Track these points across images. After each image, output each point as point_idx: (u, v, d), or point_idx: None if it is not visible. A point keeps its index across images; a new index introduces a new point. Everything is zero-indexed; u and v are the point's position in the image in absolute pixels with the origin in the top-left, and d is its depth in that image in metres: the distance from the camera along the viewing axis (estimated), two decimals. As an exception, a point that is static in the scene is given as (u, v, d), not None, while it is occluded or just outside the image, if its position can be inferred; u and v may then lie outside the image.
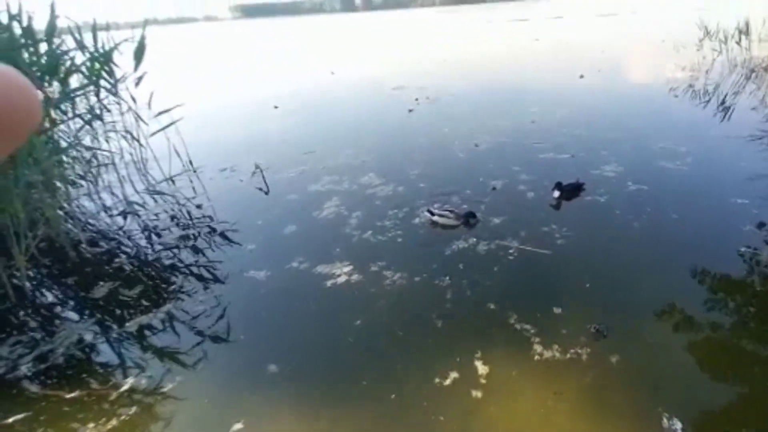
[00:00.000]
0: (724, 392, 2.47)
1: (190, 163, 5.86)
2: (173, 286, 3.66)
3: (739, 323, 2.90)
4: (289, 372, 2.75)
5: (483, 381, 2.58)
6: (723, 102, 7.07)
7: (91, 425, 2.50)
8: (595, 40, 19.25)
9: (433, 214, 4.16)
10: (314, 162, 5.96)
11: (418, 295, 3.33)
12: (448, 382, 2.59)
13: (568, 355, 2.72)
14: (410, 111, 8.03)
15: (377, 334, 3.00)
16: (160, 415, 2.56)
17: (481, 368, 2.66)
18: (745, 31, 11.31)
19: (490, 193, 4.82)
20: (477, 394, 2.52)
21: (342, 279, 3.56)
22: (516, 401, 2.47)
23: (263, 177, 5.47)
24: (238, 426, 2.44)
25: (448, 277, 3.44)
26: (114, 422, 2.51)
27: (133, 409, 2.59)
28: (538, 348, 2.78)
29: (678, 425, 2.26)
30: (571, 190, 4.53)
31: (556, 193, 4.49)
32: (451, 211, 4.07)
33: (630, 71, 10.21)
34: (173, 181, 5.48)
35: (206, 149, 6.55)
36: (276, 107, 8.86)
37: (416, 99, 8.68)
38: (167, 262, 3.99)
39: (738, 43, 11.32)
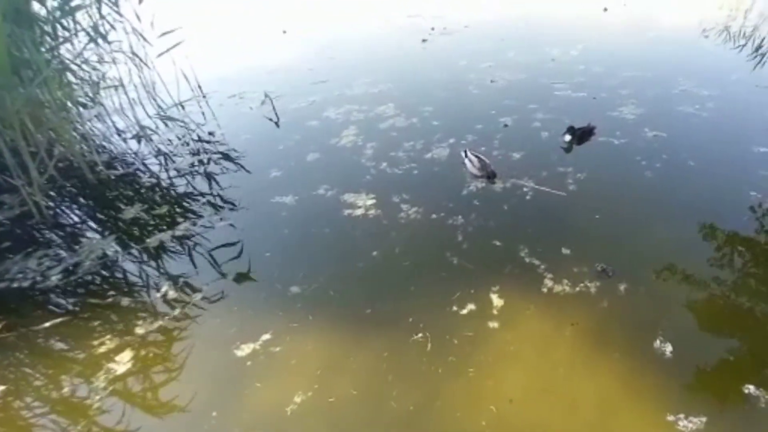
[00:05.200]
0: (715, 333, 2.59)
1: (200, 88, 5.58)
2: (192, 211, 3.66)
3: (741, 279, 2.92)
4: (310, 293, 2.84)
5: (497, 312, 2.67)
6: (759, 48, 6.55)
7: (117, 336, 2.62)
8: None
9: (466, 155, 4.00)
10: (326, 92, 5.67)
11: (434, 230, 3.34)
12: (464, 311, 2.68)
13: (578, 289, 2.80)
14: (424, 41, 7.49)
15: (393, 264, 3.05)
16: (186, 328, 2.68)
17: (497, 300, 2.74)
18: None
19: (502, 129, 4.65)
20: (493, 324, 2.62)
21: (360, 210, 3.55)
22: (529, 331, 2.57)
23: (273, 106, 5.24)
24: (267, 336, 2.56)
25: (461, 217, 3.41)
26: (140, 332, 2.63)
27: (159, 322, 2.71)
28: (549, 283, 2.85)
29: (668, 348, 2.45)
30: (582, 134, 4.36)
31: (567, 137, 4.33)
32: (481, 160, 3.89)
33: (659, 6, 9.35)
34: (183, 107, 5.26)
35: (213, 75, 6.20)
36: (284, 32, 8.25)
37: (432, 28, 8.05)
38: (182, 189, 3.95)
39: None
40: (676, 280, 2.90)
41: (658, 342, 2.49)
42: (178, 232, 3.40)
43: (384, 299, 2.78)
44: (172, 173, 4.17)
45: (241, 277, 2.99)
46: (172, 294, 2.89)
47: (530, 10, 9.14)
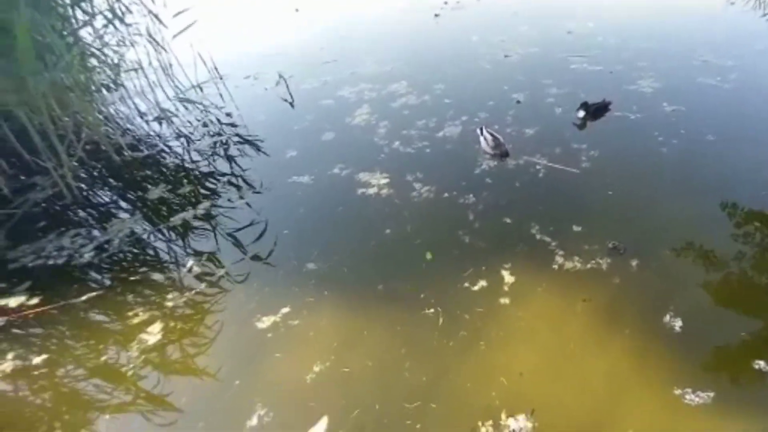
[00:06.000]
0: (726, 309, 2.53)
1: (216, 70, 5.52)
2: (213, 191, 3.69)
3: (760, 258, 2.81)
4: (326, 270, 2.87)
5: (508, 289, 2.66)
6: (788, 13, 6.10)
7: (149, 309, 2.71)
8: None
9: (482, 132, 3.91)
10: (338, 71, 5.54)
11: (446, 208, 3.31)
12: (475, 288, 2.68)
13: (589, 266, 2.75)
14: (436, 15, 7.20)
15: (405, 242, 3.05)
16: (211, 301, 2.76)
17: (508, 277, 2.73)
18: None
19: (515, 106, 4.49)
20: (504, 300, 2.62)
21: (373, 189, 3.52)
22: (540, 307, 2.56)
23: (287, 87, 5.16)
24: (286, 310, 2.62)
25: (473, 195, 3.35)
26: (169, 305, 2.72)
27: (186, 296, 2.79)
28: (560, 260, 2.81)
29: (678, 323, 2.42)
30: (597, 110, 4.17)
31: (581, 113, 4.16)
32: (495, 138, 3.78)
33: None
34: (201, 89, 5.22)
35: (228, 56, 6.12)
36: (297, 10, 8.04)
37: (445, 2, 7.72)
38: (204, 170, 3.97)
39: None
40: (689, 257, 2.82)
41: (668, 317, 2.45)
42: (201, 211, 3.45)
43: (396, 276, 2.79)
44: (194, 155, 4.19)
45: (261, 255, 3.03)
46: (197, 270, 2.96)
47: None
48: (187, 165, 4.06)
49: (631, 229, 3.01)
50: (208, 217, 3.41)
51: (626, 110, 4.28)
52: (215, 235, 3.24)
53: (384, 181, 3.60)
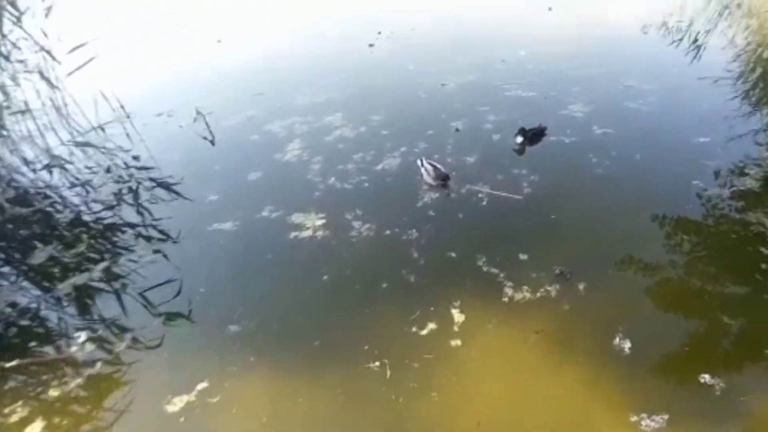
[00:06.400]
0: (668, 321, 2.78)
1: (122, 108, 5.35)
2: (119, 245, 3.47)
3: (692, 263, 3.18)
4: (251, 331, 2.75)
5: (459, 329, 2.72)
6: (695, 41, 7.20)
7: (31, 401, 2.42)
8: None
9: (422, 164, 4.09)
10: (266, 104, 5.61)
11: (388, 247, 3.36)
12: (424, 332, 2.70)
13: (538, 295, 2.90)
14: (371, 45, 7.63)
15: (345, 288, 3.03)
16: (108, 385, 2.52)
17: (458, 316, 2.79)
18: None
19: (454, 134, 4.79)
20: (455, 342, 2.66)
21: (308, 231, 3.51)
22: (493, 345, 2.62)
23: (206, 123, 5.12)
24: (203, 385, 2.45)
25: (415, 230, 3.45)
26: (56, 393, 2.44)
27: (78, 380, 2.53)
28: (509, 292, 2.94)
29: (627, 345, 2.61)
30: (534, 135, 4.59)
31: (519, 138, 4.54)
32: (434, 167, 3.99)
33: (601, 4, 10.07)
34: (103, 130, 5.02)
35: (137, 93, 5.99)
36: (219, 41, 8.13)
37: (379, 32, 8.23)
38: (109, 222, 3.75)
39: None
40: (631, 271, 3.09)
41: (617, 339, 2.63)
42: (97, 274, 3.20)
43: (336, 329, 2.75)
44: (94, 205, 3.95)
45: (173, 319, 2.86)
46: (90, 347, 2.70)
47: (477, 12, 9.56)
48: (85, 218, 3.81)
49: (576, 252, 3.24)
50: (110, 277, 3.17)
51: (561, 134, 4.72)
52: (119, 297, 3.01)
53: (320, 221, 3.60)
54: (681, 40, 7.36)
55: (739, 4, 8.46)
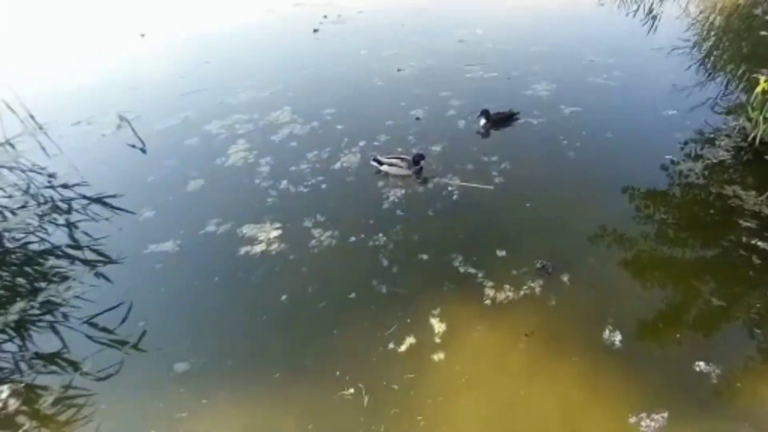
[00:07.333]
0: (659, 306, 2.77)
1: (32, 118, 4.84)
2: (48, 275, 3.10)
3: (674, 243, 3.21)
4: (201, 368, 2.49)
5: (441, 340, 2.57)
6: (650, 11, 7.43)
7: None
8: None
9: (381, 163, 3.90)
10: (203, 102, 5.25)
11: (354, 256, 3.16)
12: (402, 348, 2.54)
13: (522, 293, 2.82)
14: (316, 31, 7.36)
15: (307, 308, 2.81)
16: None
17: (438, 326, 2.64)
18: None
19: (415, 123, 4.66)
20: (438, 356, 2.51)
21: (261, 245, 3.25)
22: (480, 354, 2.49)
23: (133, 129, 4.72)
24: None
25: (383, 234, 3.28)
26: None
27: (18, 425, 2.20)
28: (490, 293, 2.82)
29: (618, 337, 2.57)
30: (500, 119, 4.52)
31: (483, 121, 4.47)
32: (401, 158, 3.84)
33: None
34: (12, 146, 4.52)
35: (47, 99, 5.46)
36: (143, 35, 7.57)
37: (324, 16, 7.95)
38: (34, 247, 3.35)
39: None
40: (614, 259, 3.06)
41: (607, 332, 2.58)
42: (12, 317, 2.83)
43: (300, 354, 2.54)
44: (14, 232, 3.52)
45: (105, 366, 2.54)
46: (14, 402, 2.38)
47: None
48: (6, 245, 3.39)
49: (555, 241, 3.19)
50: (19, 325, 2.80)
51: (529, 116, 4.68)
52: (24, 348, 2.66)
53: (274, 232, 3.36)
54: (636, 11, 7.59)
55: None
